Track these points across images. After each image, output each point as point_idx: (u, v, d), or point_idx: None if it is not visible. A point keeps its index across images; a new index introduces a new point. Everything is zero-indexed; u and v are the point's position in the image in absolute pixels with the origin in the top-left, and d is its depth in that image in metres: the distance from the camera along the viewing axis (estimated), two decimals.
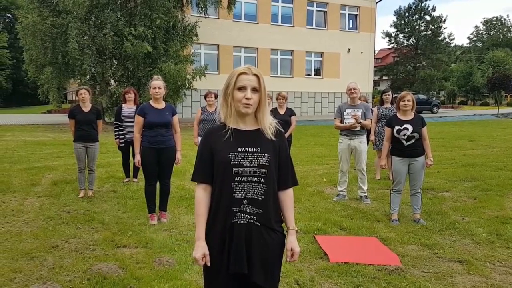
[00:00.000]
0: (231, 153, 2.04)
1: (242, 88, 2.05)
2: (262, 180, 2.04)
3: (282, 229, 2.18)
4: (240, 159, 2.03)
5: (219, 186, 2.06)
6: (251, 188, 2.03)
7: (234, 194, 2.03)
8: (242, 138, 2.08)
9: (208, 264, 2.08)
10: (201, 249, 2.08)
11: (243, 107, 2.05)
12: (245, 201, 2.03)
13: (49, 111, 37.20)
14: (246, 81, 2.05)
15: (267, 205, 2.07)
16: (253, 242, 2.04)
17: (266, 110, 2.12)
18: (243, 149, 2.05)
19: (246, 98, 2.03)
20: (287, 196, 2.18)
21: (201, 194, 2.12)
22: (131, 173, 8.04)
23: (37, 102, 42.73)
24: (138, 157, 5.39)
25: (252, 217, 2.03)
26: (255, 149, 2.05)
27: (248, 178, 2.03)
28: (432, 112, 33.83)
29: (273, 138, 2.11)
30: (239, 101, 2.05)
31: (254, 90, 2.06)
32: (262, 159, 2.04)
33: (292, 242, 2.15)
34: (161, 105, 5.42)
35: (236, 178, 2.02)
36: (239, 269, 2.02)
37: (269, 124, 2.11)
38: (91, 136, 6.70)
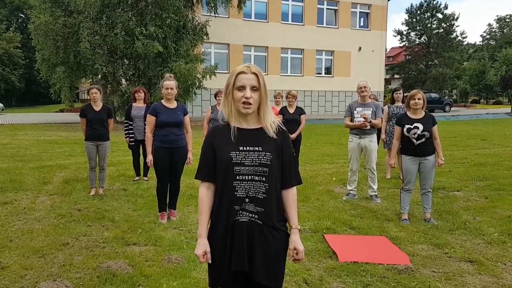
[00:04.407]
0: (233, 152, 2.04)
1: (241, 88, 2.04)
2: (264, 178, 2.04)
3: (285, 228, 2.17)
4: (241, 158, 2.04)
5: (221, 184, 2.07)
6: (252, 186, 2.03)
7: (235, 193, 2.03)
8: (244, 137, 2.08)
9: (209, 261, 2.10)
10: (202, 246, 2.09)
11: (243, 107, 2.05)
12: (247, 200, 2.03)
13: (61, 110, 37.69)
14: (245, 80, 2.04)
15: (269, 203, 2.06)
16: (255, 240, 2.04)
17: (267, 108, 2.11)
18: (244, 148, 2.05)
19: (246, 98, 2.02)
20: (290, 195, 2.17)
21: (204, 192, 2.14)
22: (141, 172, 8.09)
23: (49, 101, 43.31)
24: (150, 157, 5.41)
25: (253, 215, 2.04)
26: (256, 148, 2.05)
27: (249, 177, 2.03)
28: (444, 111, 33.49)
29: (276, 137, 2.10)
30: (238, 101, 2.05)
31: (254, 89, 2.05)
32: (263, 158, 2.04)
33: (295, 241, 2.13)
34: (173, 104, 5.42)
35: (237, 177, 2.03)
36: (240, 266, 2.03)
37: (271, 122, 2.10)
38: (102, 135, 6.75)
